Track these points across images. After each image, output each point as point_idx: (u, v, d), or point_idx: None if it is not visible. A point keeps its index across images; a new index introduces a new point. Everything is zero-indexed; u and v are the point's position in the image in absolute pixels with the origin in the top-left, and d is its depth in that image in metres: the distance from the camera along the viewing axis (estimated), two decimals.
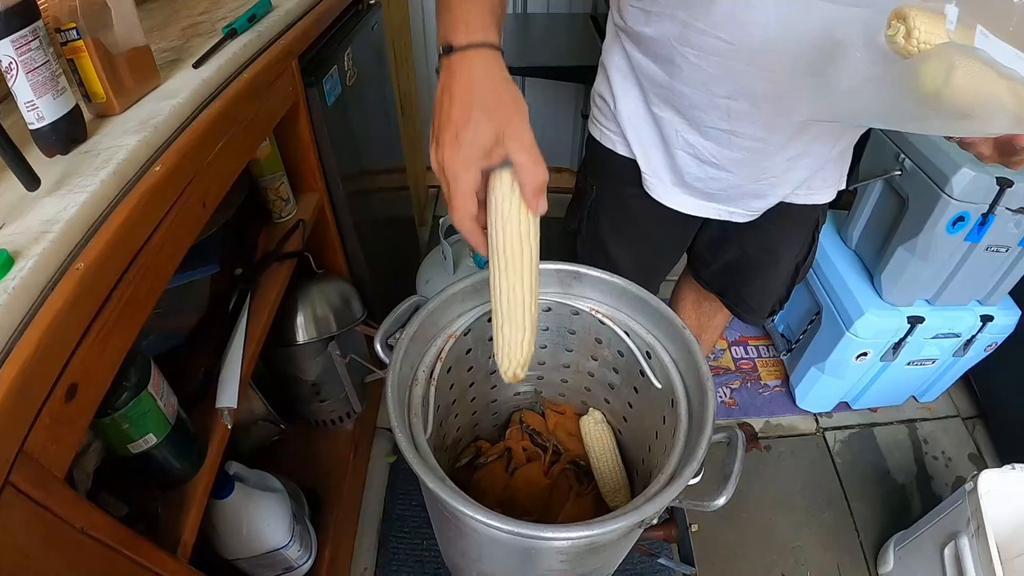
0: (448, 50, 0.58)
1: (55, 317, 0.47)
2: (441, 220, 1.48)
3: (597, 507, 1.04)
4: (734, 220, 0.95)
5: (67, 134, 0.60)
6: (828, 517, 1.53)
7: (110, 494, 0.66)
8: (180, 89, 0.71)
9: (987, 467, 1.65)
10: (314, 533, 1.10)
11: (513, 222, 0.60)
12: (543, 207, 0.58)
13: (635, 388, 0.95)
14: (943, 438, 1.74)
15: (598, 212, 1.03)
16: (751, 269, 1.08)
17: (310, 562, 1.05)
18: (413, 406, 0.78)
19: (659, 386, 0.86)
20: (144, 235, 0.59)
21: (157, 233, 0.61)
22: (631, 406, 1.00)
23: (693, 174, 0.88)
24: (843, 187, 0.97)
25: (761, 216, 0.95)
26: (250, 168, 0.99)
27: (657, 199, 0.93)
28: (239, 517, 0.85)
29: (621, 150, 0.93)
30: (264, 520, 0.89)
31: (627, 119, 0.89)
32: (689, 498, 0.70)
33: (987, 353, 1.62)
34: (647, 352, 0.88)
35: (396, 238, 1.79)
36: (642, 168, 0.91)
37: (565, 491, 1.04)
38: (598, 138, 0.96)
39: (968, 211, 1.28)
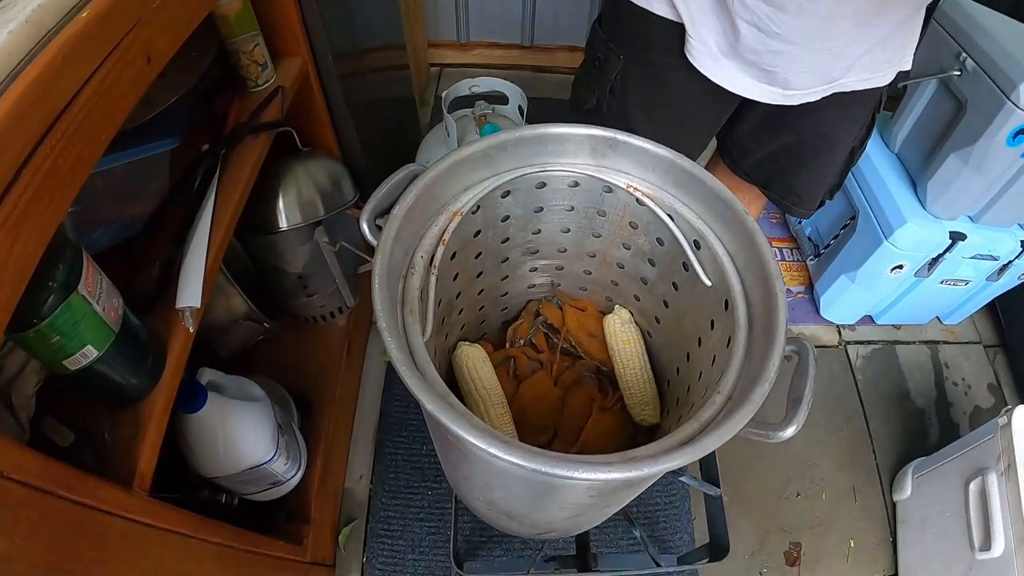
0: None
1: None
2: (444, 95, 1.30)
3: (625, 422, 0.94)
4: (788, 103, 0.82)
5: None
6: (845, 435, 1.47)
7: (56, 419, 0.54)
8: None
9: (1005, 399, 1.60)
10: (303, 442, 1.01)
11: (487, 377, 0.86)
12: None
13: (674, 284, 0.81)
14: (964, 364, 1.66)
15: (626, 85, 0.88)
16: (803, 157, 0.95)
17: (299, 473, 0.96)
18: (408, 300, 0.63)
19: (709, 283, 0.71)
20: (67, 94, 0.46)
21: (85, 91, 0.48)
22: (667, 305, 0.86)
23: (750, 45, 0.75)
24: (906, 68, 0.83)
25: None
26: (219, 29, 0.83)
27: (701, 70, 0.80)
28: (214, 431, 0.74)
29: (659, 9, 0.78)
30: (244, 433, 0.78)
31: None
32: (750, 426, 0.57)
33: (1020, 281, 1.52)
34: (695, 242, 0.73)
35: (394, 118, 1.61)
36: (688, 31, 0.77)
37: (585, 403, 0.93)
38: None
39: None
